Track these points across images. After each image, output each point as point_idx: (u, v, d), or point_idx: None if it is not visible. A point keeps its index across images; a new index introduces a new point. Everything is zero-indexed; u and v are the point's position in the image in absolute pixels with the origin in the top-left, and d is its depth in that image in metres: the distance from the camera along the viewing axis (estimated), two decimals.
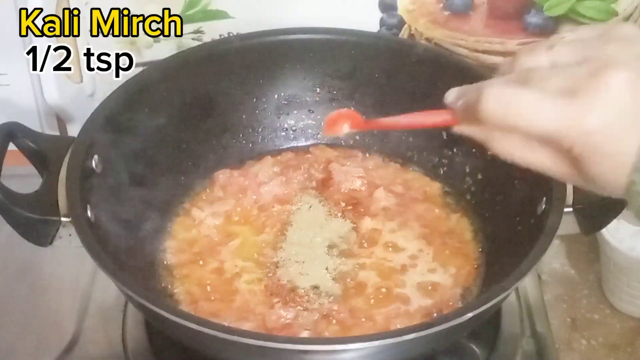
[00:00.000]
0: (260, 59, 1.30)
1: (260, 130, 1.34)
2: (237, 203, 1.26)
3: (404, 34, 1.39)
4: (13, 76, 1.37)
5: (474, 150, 1.24)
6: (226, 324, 1.03)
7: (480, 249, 1.19)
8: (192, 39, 1.39)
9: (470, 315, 0.91)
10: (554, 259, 1.33)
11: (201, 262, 1.18)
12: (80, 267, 1.24)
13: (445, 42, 1.39)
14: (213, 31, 1.39)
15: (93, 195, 1.06)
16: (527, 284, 1.25)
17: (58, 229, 1.03)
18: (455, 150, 1.27)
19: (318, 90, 1.34)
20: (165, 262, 1.18)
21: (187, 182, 1.28)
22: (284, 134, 1.36)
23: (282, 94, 1.34)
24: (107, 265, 0.96)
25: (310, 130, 1.36)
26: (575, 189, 1.04)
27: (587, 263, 1.33)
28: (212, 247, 1.20)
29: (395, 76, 1.30)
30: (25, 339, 1.18)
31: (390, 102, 1.31)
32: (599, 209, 1.04)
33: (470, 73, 1.23)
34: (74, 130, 1.35)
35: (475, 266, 1.17)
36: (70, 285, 1.25)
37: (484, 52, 1.39)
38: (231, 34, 1.38)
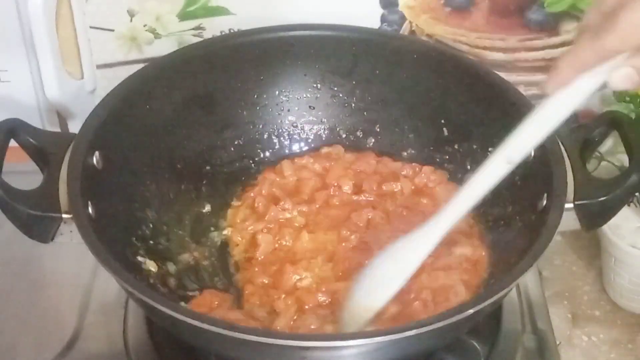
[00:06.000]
0: (261, 56, 1.29)
1: (260, 127, 1.34)
2: None
3: (405, 30, 1.40)
4: (14, 73, 1.38)
5: (474, 146, 1.24)
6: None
7: (480, 245, 1.18)
8: (193, 35, 1.40)
9: (470, 312, 0.91)
10: (555, 255, 1.33)
11: None
12: (81, 263, 1.24)
13: (446, 38, 1.40)
14: (214, 27, 1.39)
15: (94, 191, 1.05)
16: (528, 280, 1.25)
17: (59, 225, 1.02)
18: (456, 146, 1.27)
19: (319, 86, 1.33)
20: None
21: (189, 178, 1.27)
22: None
23: (283, 90, 1.33)
24: (108, 261, 0.96)
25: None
26: (576, 184, 1.04)
27: (588, 259, 1.33)
28: None
29: (396, 73, 1.29)
30: (26, 336, 1.18)
31: (392, 99, 1.31)
32: (600, 205, 1.03)
33: (471, 70, 1.23)
34: (74, 127, 1.36)
35: (479, 262, 1.16)
36: (71, 281, 1.25)
37: (485, 48, 1.39)
38: (232, 30, 1.38)
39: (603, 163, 1.31)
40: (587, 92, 0.86)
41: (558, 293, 1.28)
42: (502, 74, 1.22)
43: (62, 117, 1.42)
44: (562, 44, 1.38)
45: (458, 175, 1.26)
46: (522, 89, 1.22)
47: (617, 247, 1.21)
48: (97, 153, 1.09)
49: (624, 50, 0.81)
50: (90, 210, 1.03)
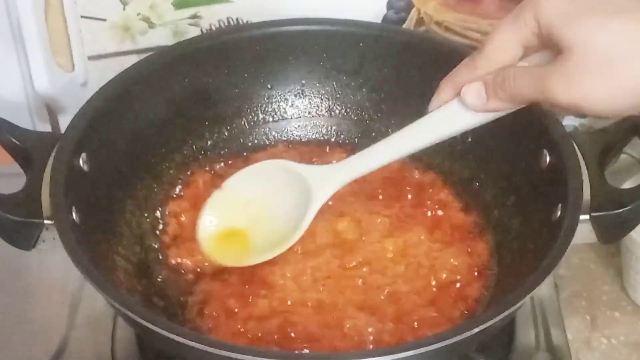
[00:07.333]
0: (261, 52, 1.27)
1: (260, 127, 1.32)
2: None
3: (412, 17, 1.38)
4: (1, 65, 1.37)
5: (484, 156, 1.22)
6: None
7: (491, 258, 1.15)
8: (189, 24, 1.38)
9: (476, 330, 0.88)
10: (572, 252, 1.29)
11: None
12: (68, 272, 1.19)
13: (456, 25, 1.37)
14: (211, 16, 1.37)
15: (80, 196, 1.03)
16: (543, 291, 1.22)
17: (41, 231, 1.00)
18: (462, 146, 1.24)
19: (323, 84, 1.31)
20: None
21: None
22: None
23: (286, 87, 1.31)
24: (90, 272, 0.93)
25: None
26: (593, 194, 1.01)
27: (607, 257, 1.30)
28: None
29: (405, 71, 1.26)
30: (10, 349, 1.16)
31: (399, 99, 1.28)
32: (618, 218, 1.00)
33: None
34: (66, 122, 1.32)
35: (487, 275, 1.13)
36: (58, 291, 1.23)
37: None
38: (230, 19, 1.37)
39: (622, 156, 1.29)
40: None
41: (576, 293, 1.26)
42: None
43: (52, 112, 1.42)
44: None
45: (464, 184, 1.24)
46: None
47: (638, 244, 1.18)
48: (83, 155, 1.07)
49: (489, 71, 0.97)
50: (74, 216, 1.00)
